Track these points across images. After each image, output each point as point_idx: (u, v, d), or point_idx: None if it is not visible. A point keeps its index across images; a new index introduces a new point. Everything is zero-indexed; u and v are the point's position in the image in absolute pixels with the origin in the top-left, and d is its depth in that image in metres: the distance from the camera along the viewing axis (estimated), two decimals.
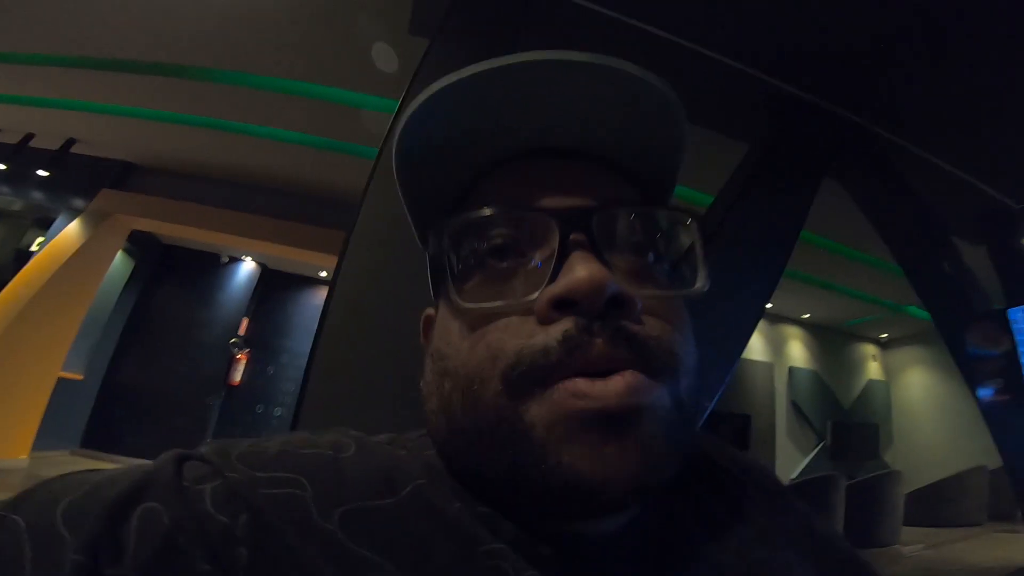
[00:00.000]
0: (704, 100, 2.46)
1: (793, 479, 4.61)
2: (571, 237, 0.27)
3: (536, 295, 0.26)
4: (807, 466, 5.31)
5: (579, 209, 0.28)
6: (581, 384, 0.24)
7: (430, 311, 0.34)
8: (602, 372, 0.25)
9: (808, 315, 5.74)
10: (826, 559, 0.33)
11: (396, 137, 0.30)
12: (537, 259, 0.28)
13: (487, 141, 0.31)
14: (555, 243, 0.27)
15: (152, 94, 3.34)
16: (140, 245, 5.04)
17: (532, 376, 0.25)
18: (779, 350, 5.73)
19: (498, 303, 0.27)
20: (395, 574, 0.23)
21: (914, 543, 4.18)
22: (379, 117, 2.80)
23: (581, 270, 0.25)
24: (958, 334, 2.86)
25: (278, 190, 4.41)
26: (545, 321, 0.26)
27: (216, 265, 5.45)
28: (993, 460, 2.83)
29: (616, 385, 0.24)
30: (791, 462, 5.28)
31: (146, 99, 3.45)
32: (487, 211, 0.28)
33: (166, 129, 3.75)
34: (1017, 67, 2.17)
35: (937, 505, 4.90)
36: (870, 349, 6.49)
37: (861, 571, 0.35)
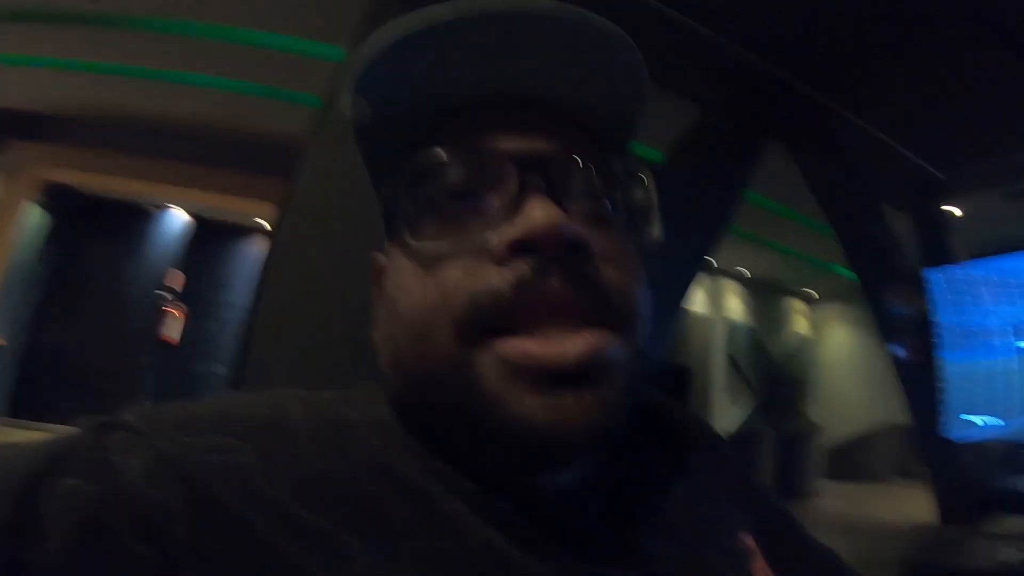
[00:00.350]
0: (659, 59, 2.31)
1: (728, 433, 4.86)
2: (529, 181, 0.26)
3: (493, 236, 0.25)
4: (741, 420, 5.54)
5: (538, 154, 0.27)
6: (532, 346, 0.24)
7: (381, 258, 0.33)
8: (557, 319, 0.24)
9: (747, 270, 5.96)
10: (759, 512, 0.35)
11: (353, 83, 0.29)
12: (495, 203, 0.27)
13: (446, 88, 0.29)
14: (513, 187, 0.26)
15: (65, 43, 3.09)
16: (57, 199, 4.69)
17: (485, 322, 0.25)
18: (718, 304, 5.92)
19: (452, 243, 0.26)
20: (353, 542, 0.22)
21: (829, 496, 4.57)
22: (313, 63, 2.67)
23: (539, 213, 0.25)
24: (878, 294, 3.03)
25: (206, 137, 4.10)
26: (501, 263, 0.25)
27: (143, 217, 5.08)
28: (906, 418, 3.08)
29: (575, 347, 0.24)
30: (727, 416, 5.49)
31: (58, 48, 3.18)
32: (445, 153, 0.28)
33: (81, 78, 3.50)
34: (951, 49, 2.29)
35: (852, 460, 5.32)
36: (800, 306, 6.86)
37: (789, 524, 0.38)
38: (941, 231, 3.57)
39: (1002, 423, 2.08)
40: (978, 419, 2.10)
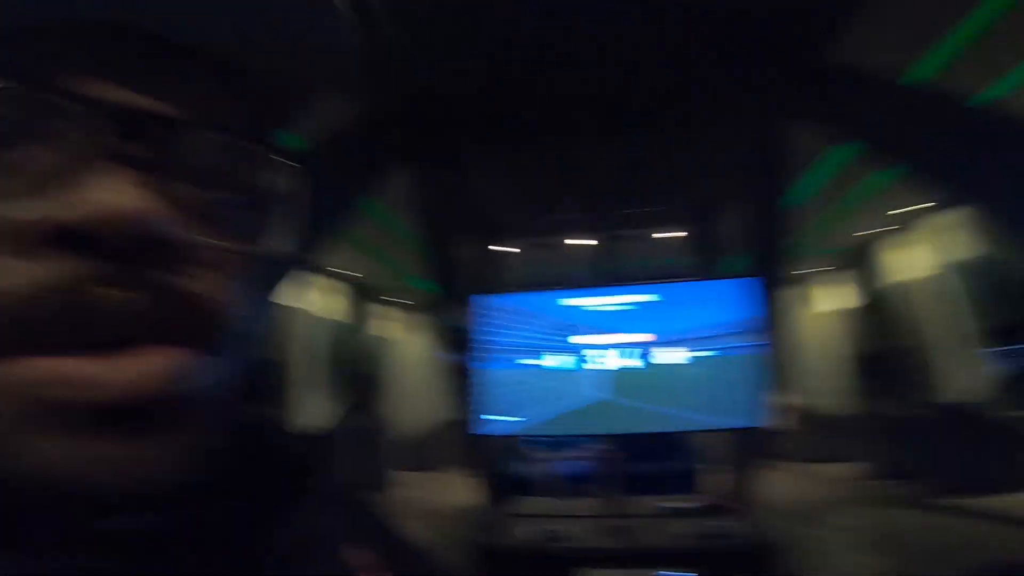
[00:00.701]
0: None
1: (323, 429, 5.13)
2: (115, 145, 0.18)
3: (31, 211, 0.17)
4: (334, 415, 5.80)
5: (140, 110, 0.19)
6: (71, 366, 0.17)
7: None
8: (113, 341, 0.17)
9: (361, 275, 6.34)
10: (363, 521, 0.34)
11: None
12: (46, 162, 0.17)
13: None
14: (90, 148, 0.18)
15: None
16: None
17: (6, 336, 0.16)
18: (320, 303, 6.07)
19: None
20: None
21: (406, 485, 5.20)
22: None
23: (110, 192, 0.17)
24: (442, 308, 3.71)
25: None
26: (39, 254, 0.17)
27: None
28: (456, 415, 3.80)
29: (130, 370, 0.17)
30: (318, 412, 5.62)
31: None
32: None
33: None
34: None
35: (420, 452, 6.29)
36: (390, 311, 7.67)
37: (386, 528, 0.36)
38: (494, 265, 4.63)
39: (518, 420, 2.70)
40: (500, 417, 2.67)
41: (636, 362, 2.69)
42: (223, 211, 0.21)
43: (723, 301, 2.65)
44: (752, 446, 3.23)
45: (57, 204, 0.17)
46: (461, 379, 3.43)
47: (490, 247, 4.73)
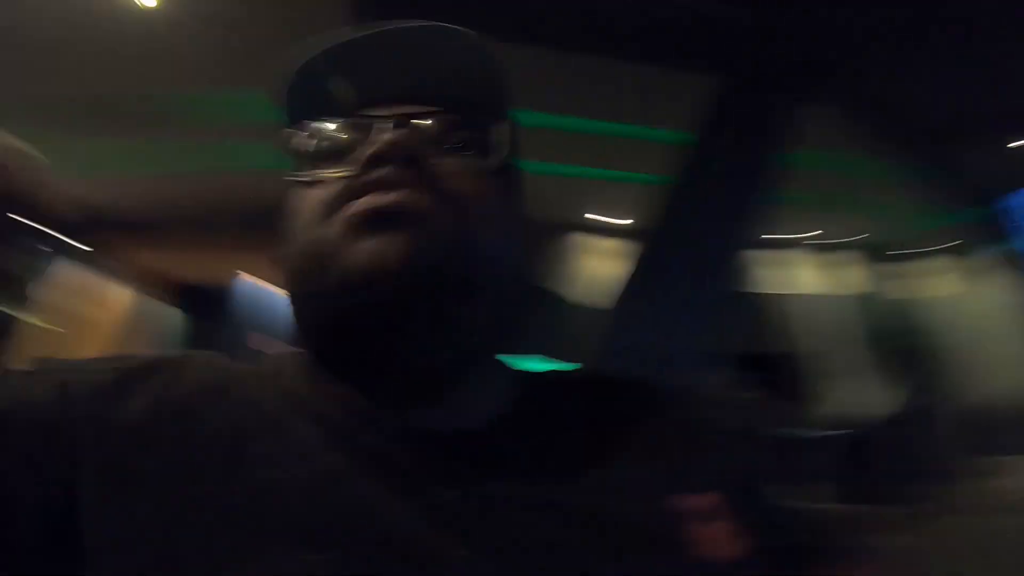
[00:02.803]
0: (673, 33, 2.41)
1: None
2: (385, 128, 0.31)
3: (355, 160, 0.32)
4: (892, 401, 4.40)
5: (399, 115, 0.32)
6: (362, 202, 0.30)
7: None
8: (389, 189, 0.30)
9: (827, 238, 5.04)
10: (730, 477, 0.34)
11: (285, 88, 0.35)
12: (365, 148, 0.32)
13: (349, 85, 0.35)
14: (375, 134, 0.32)
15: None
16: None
17: (337, 201, 0.31)
18: (841, 281, 5.04)
19: (331, 172, 0.33)
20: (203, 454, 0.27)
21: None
22: None
23: (385, 135, 0.31)
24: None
25: None
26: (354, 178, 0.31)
27: None
28: None
29: (389, 193, 0.29)
30: (872, 400, 4.43)
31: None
32: (336, 121, 0.35)
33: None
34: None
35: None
36: (916, 266, 5.48)
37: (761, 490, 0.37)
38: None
39: None
40: None
41: None
42: (465, 153, 0.34)
43: None
44: None
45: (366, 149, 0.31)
46: None
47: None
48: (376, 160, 0.30)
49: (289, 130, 0.35)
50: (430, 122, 0.33)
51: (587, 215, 4.60)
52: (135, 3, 2.34)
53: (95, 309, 4.20)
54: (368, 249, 0.28)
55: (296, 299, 0.33)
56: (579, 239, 4.72)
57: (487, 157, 0.34)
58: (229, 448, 0.27)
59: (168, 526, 0.24)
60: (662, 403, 0.38)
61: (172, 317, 4.95)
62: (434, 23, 0.33)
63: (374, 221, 0.29)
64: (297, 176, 0.34)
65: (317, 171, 0.33)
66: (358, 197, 0.30)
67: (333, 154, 0.33)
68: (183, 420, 0.29)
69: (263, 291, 5.04)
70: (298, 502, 0.26)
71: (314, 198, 0.32)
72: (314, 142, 0.34)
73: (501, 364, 0.37)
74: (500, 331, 0.34)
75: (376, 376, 0.31)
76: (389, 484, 0.27)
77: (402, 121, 0.31)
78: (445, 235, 0.29)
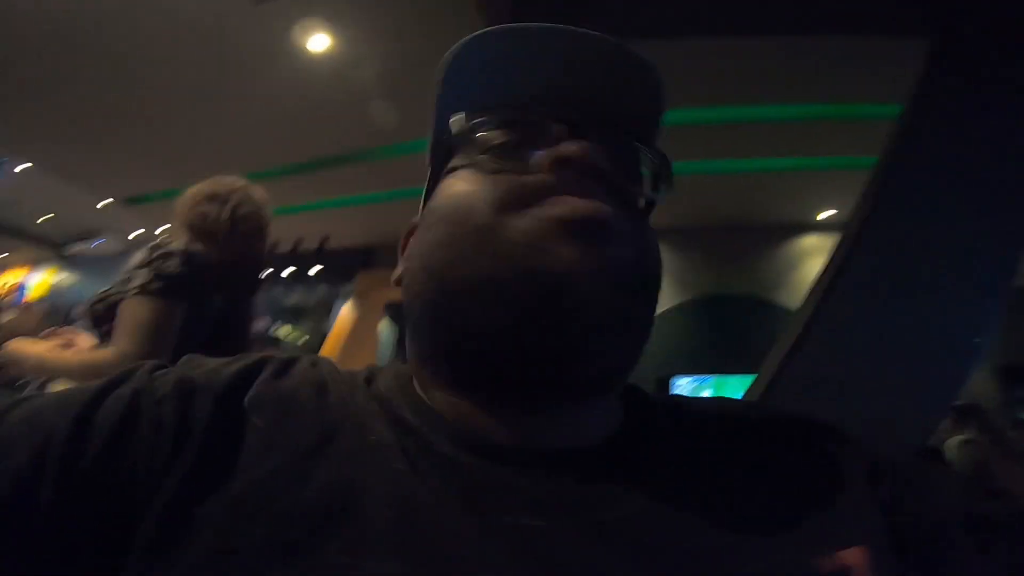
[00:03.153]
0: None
1: None
2: (569, 135, 0.31)
3: (540, 157, 0.30)
4: None
5: (576, 118, 0.32)
6: (566, 197, 0.28)
7: (415, 220, 0.38)
8: (581, 195, 0.29)
9: None
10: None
11: (440, 75, 0.35)
12: (544, 148, 0.31)
13: (504, 91, 0.34)
14: (557, 136, 0.31)
15: (376, 179, 3.88)
16: (398, 313, 5.23)
17: (523, 198, 0.29)
18: None
19: (509, 162, 0.31)
20: (272, 435, 0.28)
21: None
22: None
23: (575, 144, 0.30)
24: None
25: None
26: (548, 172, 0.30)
27: None
28: None
29: (591, 202, 0.28)
30: None
31: (373, 185, 4.02)
32: (492, 113, 0.33)
33: (393, 208, 4.01)
34: None
35: None
36: None
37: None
38: None
39: None
40: None
41: None
42: (632, 184, 0.34)
43: None
44: None
45: (552, 151, 0.30)
46: None
47: None
48: (566, 163, 0.30)
49: (460, 116, 0.33)
50: (603, 140, 0.32)
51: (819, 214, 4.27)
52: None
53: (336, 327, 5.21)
54: (568, 255, 0.27)
55: (447, 294, 0.30)
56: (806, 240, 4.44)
57: (653, 188, 0.35)
58: (316, 440, 0.28)
59: (242, 508, 0.24)
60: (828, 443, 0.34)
61: (387, 331, 5.48)
62: (619, 42, 0.34)
63: (578, 227, 0.28)
64: (470, 162, 0.33)
65: (497, 160, 0.32)
66: (547, 189, 0.29)
67: (506, 148, 0.33)
68: (283, 405, 0.29)
69: None
70: (369, 504, 0.25)
71: (492, 188, 0.30)
72: (487, 131, 0.33)
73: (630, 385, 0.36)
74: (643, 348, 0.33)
75: (508, 385, 0.30)
76: (468, 499, 0.26)
77: (583, 130, 0.31)
78: (631, 255, 0.30)
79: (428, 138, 0.37)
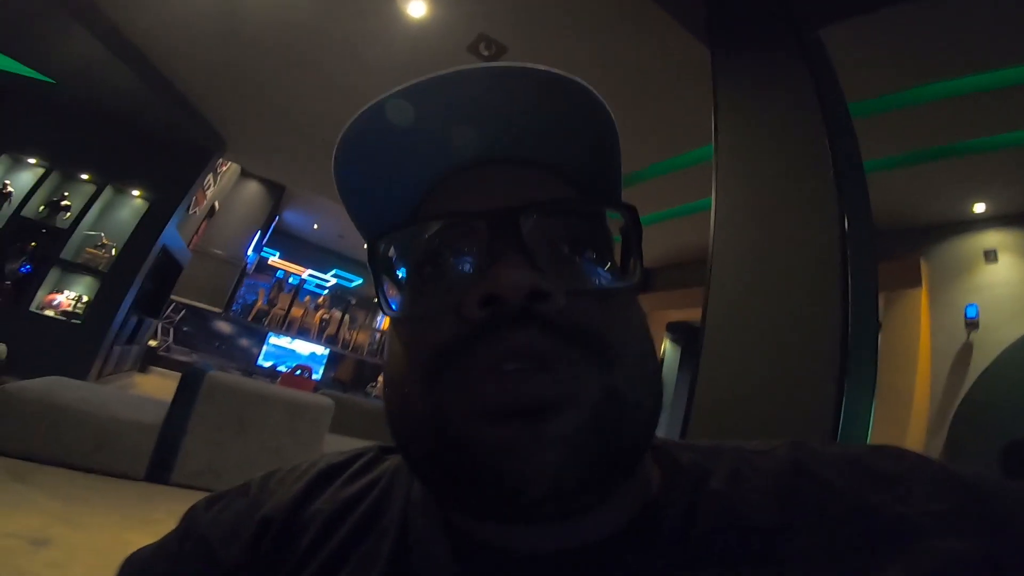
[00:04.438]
0: None
1: None
2: (498, 237, 0.27)
3: (465, 295, 0.26)
4: None
5: (507, 209, 0.27)
6: (491, 384, 0.24)
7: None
8: (519, 360, 0.24)
9: None
10: None
11: (334, 158, 0.30)
12: (467, 263, 0.28)
13: (427, 156, 0.31)
14: (483, 244, 0.27)
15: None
16: (679, 332, 5.98)
17: (447, 361, 0.26)
18: None
19: (428, 305, 0.28)
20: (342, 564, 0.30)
21: None
22: None
23: (503, 269, 0.25)
24: None
25: None
26: (471, 319, 0.26)
27: None
28: None
29: (530, 390, 0.24)
30: None
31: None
32: (420, 223, 0.29)
33: (658, 230, 4.29)
34: None
35: None
36: None
37: None
38: None
39: None
40: None
41: None
42: (589, 264, 0.29)
43: None
44: None
45: (479, 284, 0.25)
46: None
47: None
48: (492, 300, 0.25)
49: (375, 239, 0.29)
50: (554, 220, 0.28)
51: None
52: None
53: None
54: (498, 443, 0.24)
55: (408, 450, 0.29)
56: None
57: (626, 269, 0.30)
58: (362, 538, 0.31)
59: None
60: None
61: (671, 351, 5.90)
62: (541, 68, 0.28)
63: (506, 415, 0.24)
64: (384, 308, 0.29)
65: (413, 306, 0.29)
66: (473, 352, 0.25)
67: (417, 264, 0.29)
68: (348, 511, 0.33)
69: None
70: None
71: (406, 349, 0.28)
72: (398, 250, 0.30)
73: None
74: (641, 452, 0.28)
75: (468, 508, 0.27)
76: None
77: (522, 220, 0.27)
78: (608, 413, 0.25)
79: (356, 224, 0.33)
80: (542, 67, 0.28)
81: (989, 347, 3.19)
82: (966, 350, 3.29)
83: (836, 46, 1.78)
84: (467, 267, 0.28)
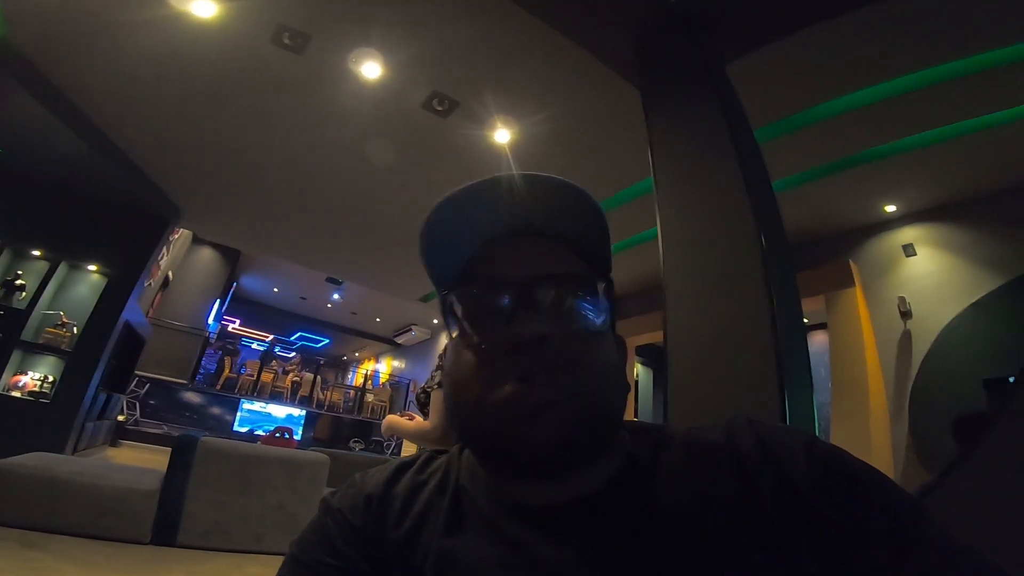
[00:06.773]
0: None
1: None
2: (520, 297, 0.41)
3: (498, 339, 0.40)
4: None
5: (529, 277, 0.41)
6: (510, 392, 0.38)
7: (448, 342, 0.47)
8: (532, 379, 0.38)
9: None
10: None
11: (421, 241, 0.45)
12: (501, 313, 0.41)
13: (474, 234, 0.46)
14: (510, 301, 0.41)
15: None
16: (649, 355, 6.20)
17: (492, 379, 0.39)
18: None
19: (477, 339, 0.41)
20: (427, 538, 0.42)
21: None
22: None
23: (522, 326, 0.39)
24: None
25: None
26: (505, 355, 0.39)
27: None
28: None
29: (533, 394, 0.38)
30: None
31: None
32: (480, 283, 0.43)
33: (631, 256, 4.54)
34: None
35: None
36: None
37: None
38: None
39: None
40: None
41: None
42: (582, 315, 0.42)
43: None
44: None
45: (507, 333, 0.39)
46: None
47: None
48: (516, 347, 0.38)
49: (444, 292, 0.45)
50: (558, 281, 0.42)
51: None
52: None
53: None
54: (525, 434, 0.37)
55: (458, 418, 0.42)
56: None
57: (601, 318, 0.42)
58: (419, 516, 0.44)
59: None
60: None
61: (643, 373, 6.14)
62: (557, 179, 0.43)
63: (528, 413, 0.37)
64: (450, 333, 0.44)
65: (468, 336, 0.42)
66: (505, 375, 0.38)
67: (478, 313, 0.42)
68: (410, 496, 0.46)
69: None
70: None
71: (466, 367, 0.41)
72: (461, 304, 0.43)
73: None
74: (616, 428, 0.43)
75: (504, 472, 0.42)
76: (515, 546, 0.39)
77: (537, 285, 0.40)
78: (582, 407, 0.38)
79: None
80: (556, 177, 0.44)
81: (926, 334, 3.55)
82: (906, 338, 3.62)
83: (742, 78, 2.06)
84: (502, 311, 0.41)
